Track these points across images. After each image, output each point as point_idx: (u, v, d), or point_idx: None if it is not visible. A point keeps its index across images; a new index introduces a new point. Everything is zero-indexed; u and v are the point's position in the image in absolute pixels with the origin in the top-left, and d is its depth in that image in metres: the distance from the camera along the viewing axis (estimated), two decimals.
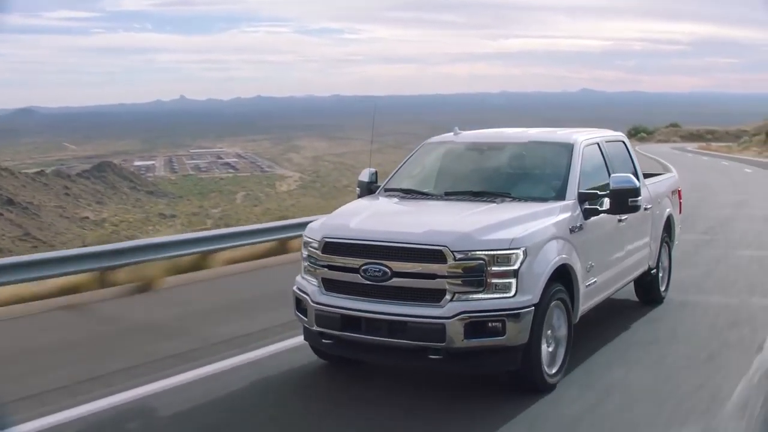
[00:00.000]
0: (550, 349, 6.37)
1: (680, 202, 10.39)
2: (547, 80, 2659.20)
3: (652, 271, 9.09)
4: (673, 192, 10.09)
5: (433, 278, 5.88)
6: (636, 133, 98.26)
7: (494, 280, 5.84)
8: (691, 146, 78.83)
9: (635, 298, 9.79)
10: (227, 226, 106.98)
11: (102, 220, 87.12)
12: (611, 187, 7.01)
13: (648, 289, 9.35)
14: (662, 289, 9.57)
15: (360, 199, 7.82)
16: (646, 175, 9.60)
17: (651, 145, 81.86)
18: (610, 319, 9.06)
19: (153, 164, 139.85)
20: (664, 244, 9.56)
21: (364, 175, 8.08)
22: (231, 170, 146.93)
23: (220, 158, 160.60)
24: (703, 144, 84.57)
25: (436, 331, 5.78)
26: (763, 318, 9.27)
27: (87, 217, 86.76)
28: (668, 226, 9.64)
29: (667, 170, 29.76)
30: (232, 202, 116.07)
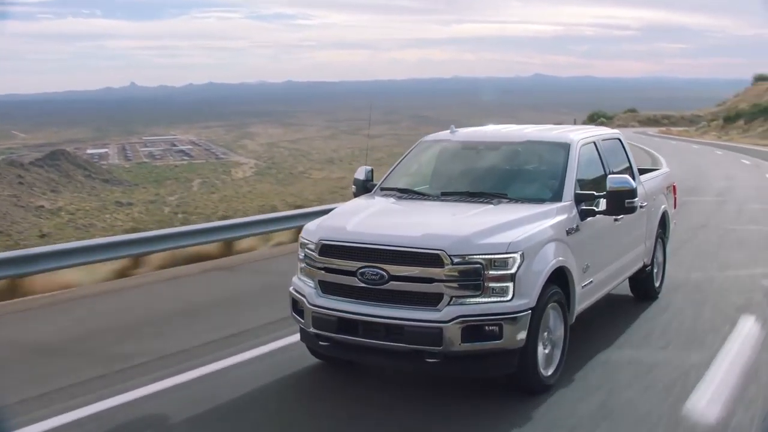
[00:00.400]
0: (547, 351, 6.35)
1: (675, 197, 10.43)
2: (499, 65, 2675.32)
3: (647, 268, 9.10)
4: (667, 188, 10.12)
5: (431, 282, 5.84)
6: (596, 119, 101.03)
7: (491, 284, 5.81)
8: (651, 131, 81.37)
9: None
10: (185, 213, 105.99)
11: (58, 209, 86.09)
12: (608, 188, 6.97)
13: (643, 286, 9.34)
14: (657, 284, 9.58)
15: (357, 198, 7.72)
16: (640, 171, 9.64)
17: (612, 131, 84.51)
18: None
19: (106, 152, 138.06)
20: (659, 240, 9.55)
21: (360, 173, 7.98)
22: (186, 157, 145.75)
23: (174, 145, 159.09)
24: (663, 128, 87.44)
25: (433, 335, 5.74)
26: None
27: (42, 206, 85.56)
28: (663, 222, 9.65)
29: (653, 157, 33.25)
30: (188, 189, 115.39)
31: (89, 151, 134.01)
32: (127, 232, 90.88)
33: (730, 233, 15.79)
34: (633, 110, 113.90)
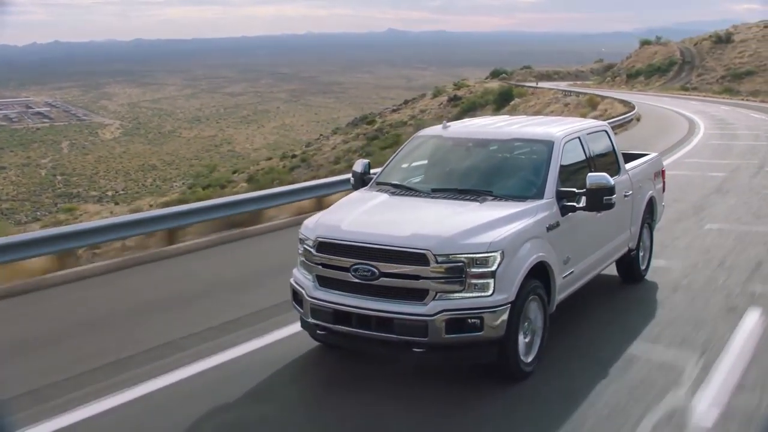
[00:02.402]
0: (527, 340, 6.64)
1: (663, 182, 10.71)
2: (352, 20, 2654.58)
3: (632, 253, 9.37)
4: (656, 174, 10.40)
5: (417, 279, 6.19)
6: (498, 74, 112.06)
7: (473, 281, 6.15)
8: (562, 85, 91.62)
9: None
10: (64, 175, 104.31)
11: None
12: (587, 186, 7.23)
13: (628, 269, 9.60)
14: (642, 267, 9.82)
15: (354, 193, 8.08)
16: (631, 156, 10.04)
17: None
18: None
19: None
20: (646, 225, 9.82)
21: (358, 166, 8.38)
22: (46, 120, 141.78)
23: (30, 108, 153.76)
24: (570, 82, 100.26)
25: (420, 327, 6.10)
26: None
27: None
28: (650, 208, 9.91)
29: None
30: (59, 152, 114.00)
31: None
32: (10, 195, 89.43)
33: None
34: (528, 67, 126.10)
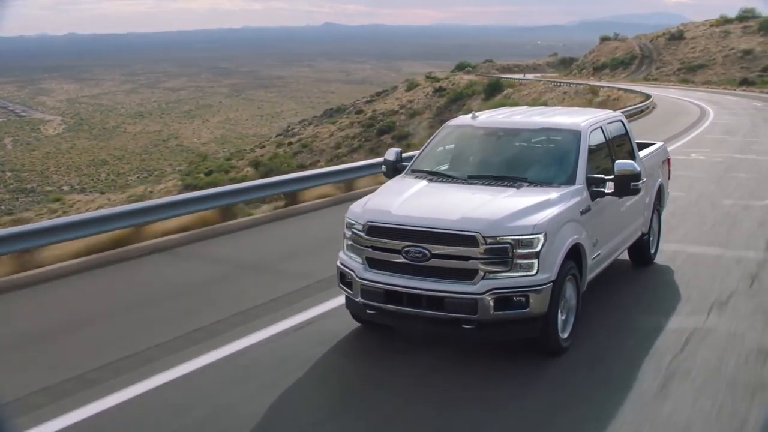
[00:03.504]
0: (563, 317, 6.96)
1: (669, 170, 11.09)
2: (289, 14, 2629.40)
3: (644, 237, 9.76)
4: (663, 162, 10.77)
5: (467, 260, 6.47)
6: (463, 67, 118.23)
7: (519, 261, 6.45)
8: (530, 75, 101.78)
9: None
10: (13, 171, 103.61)
11: None
12: (615, 172, 7.55)
13: (640, 253, 9.98)
14: (652, 251, 10.22)
15: (392, 180, 8.30)
16: (640, 145, 10.27)
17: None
18: None
19: None
20: (656, 211, 10.21)
21: (390, 155, 8.60)
22: None
23: None
24: (539, 74, 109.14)
25: (470, 305, 6.39)
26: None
27: None
28: (659, 194, 10.30)
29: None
30: (2, 148, 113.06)
31: None
32: None
33: None
34: (490, 60, 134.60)
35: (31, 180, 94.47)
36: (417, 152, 8.79)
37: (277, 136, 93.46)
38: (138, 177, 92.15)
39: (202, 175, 59.03)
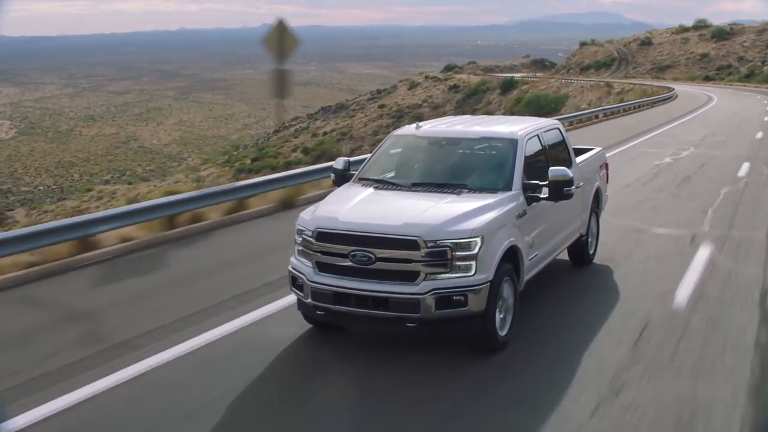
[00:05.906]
0: (501, 316, 7.33)
1: (607, 174, 11.51)
2: (226, 16, 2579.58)
3: (582, 238, 10.09)
4: (600, 166, 11.18)
5: (409, 262, 6.85)
6: (451, 68, 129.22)
7: (458, 263, 6.85)
8: (518, 75, 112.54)
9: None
10: None
11: None
12: (549, 178, 7.92)
13: (579, 253, 10.33)
14: (591, 251, 10.56)
15: (341, 188, 8.53)
16: (578, 150, 10.74)
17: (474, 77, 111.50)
18: None
19: None
20: (593, 213, 10.52)
21: (339, 164, 8.86)
22: None
23: None
24: (523, 74, 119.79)
25: (413, 304, 6.77)
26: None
27: None
28: (597, 197, 10.67)
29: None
30: None
31: None
32: None
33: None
34: (473, 62, 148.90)
35: (2, 182, 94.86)
36: (365, 159, 9.48)
37: (275, 132, 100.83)
38: (112, 176, 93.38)
39: (248, 161, 64.03)
